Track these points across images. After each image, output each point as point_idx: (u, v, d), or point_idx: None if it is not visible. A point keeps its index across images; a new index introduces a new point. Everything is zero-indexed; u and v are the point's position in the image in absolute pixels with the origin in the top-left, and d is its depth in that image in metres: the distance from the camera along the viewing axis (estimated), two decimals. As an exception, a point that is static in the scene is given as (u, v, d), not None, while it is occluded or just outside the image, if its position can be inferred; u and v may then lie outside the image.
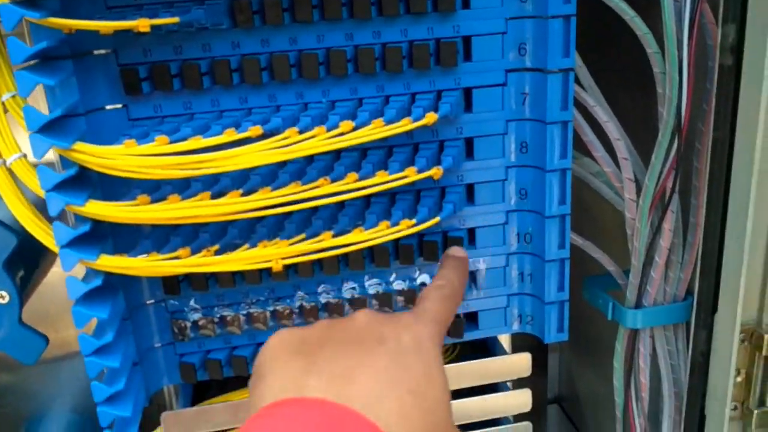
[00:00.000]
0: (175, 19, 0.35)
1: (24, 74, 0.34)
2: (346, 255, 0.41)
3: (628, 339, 0.49)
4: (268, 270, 0.39)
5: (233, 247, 0.39)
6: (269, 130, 0.37)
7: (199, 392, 0.51)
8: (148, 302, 0.44)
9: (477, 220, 0.45)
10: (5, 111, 0.40)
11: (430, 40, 0.40)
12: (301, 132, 0.36)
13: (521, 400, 0.50)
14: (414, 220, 0.40)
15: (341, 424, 0.30)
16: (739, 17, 0.40)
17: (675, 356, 0.49)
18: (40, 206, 0.40)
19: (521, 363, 0.50)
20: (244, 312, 0.44)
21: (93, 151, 0.35)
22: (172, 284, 0.43)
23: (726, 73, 0.41)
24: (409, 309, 0.44)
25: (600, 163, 0.46)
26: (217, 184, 0.39)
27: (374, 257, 0.43)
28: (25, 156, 0.40)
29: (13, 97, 0.40)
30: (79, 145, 0.35)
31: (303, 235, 0.39)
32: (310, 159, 0.41)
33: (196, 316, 0.44)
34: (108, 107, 0.39)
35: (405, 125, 0.37)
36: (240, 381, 0.47)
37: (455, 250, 0.44)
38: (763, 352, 0.44)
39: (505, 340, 0.58)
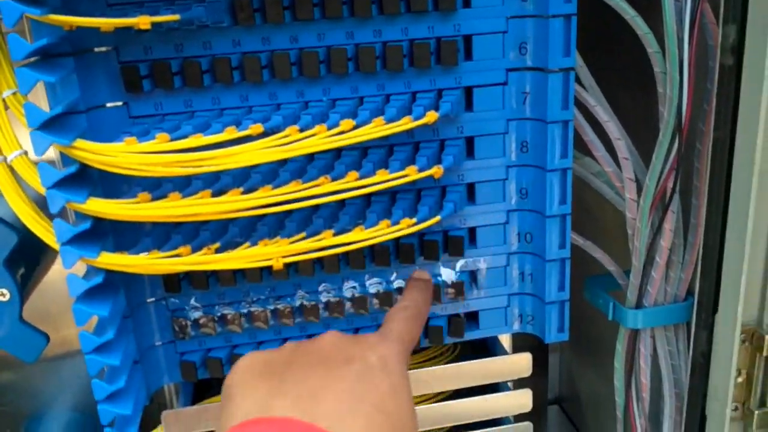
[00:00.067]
0: (176, 17, 0.35)
1: (25, 71, 0.34)
2: (346, 254, 0.41)
3: (629, 339, 0.49)
4: (269, 268, 0.39)
5: (234, 246, 0.39)
6: (270, 129, 0.37)
7: (200, 391, 0.51)
8: (148, 300, 0.44)
9: (477, 219, 0.45)
10: (6, 108, 0.40)
11: (431, 38, 0.40)
12: (301, 130, 0.36)
13: (522, 400, 0.50)
14: (414, 219, 0.40)
15: None
16: (740, 17, 0.40)
17: (676, 356, 0.49)
18: (40, 203, 0.40)
19: (522, 363, 0.50)
20: (245, 310, 0.44)
21: (94, 148, 0.35)
22: (172, 282, 0.43)
23: (727, 73, 0.41)
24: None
25: (601, 163, 0.46)
26: (217, 182, 0.39)
27: (375, 256, 0.43)
28: (26, 153, 0.40)
29: (14, 94, 0.40)
30: (80, 143, 0.35)
31: (303, 234, 0.39)
32: (310, 157, 0.41)
33: (197, 314, 0.44)
34: (109, 105, 0.39)
35: (406, 124, 0.38)
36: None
37: (419, 273, 0.45)
38: (764, 353, 0.44)
39: (505, 340, 0.58)
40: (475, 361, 0.49)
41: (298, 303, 0.45)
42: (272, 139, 0.36)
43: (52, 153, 0.36)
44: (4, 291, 0.45)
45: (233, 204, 0.37)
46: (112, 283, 0.40)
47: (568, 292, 0.45)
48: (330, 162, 0.41)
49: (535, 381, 0.51)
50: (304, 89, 0.41)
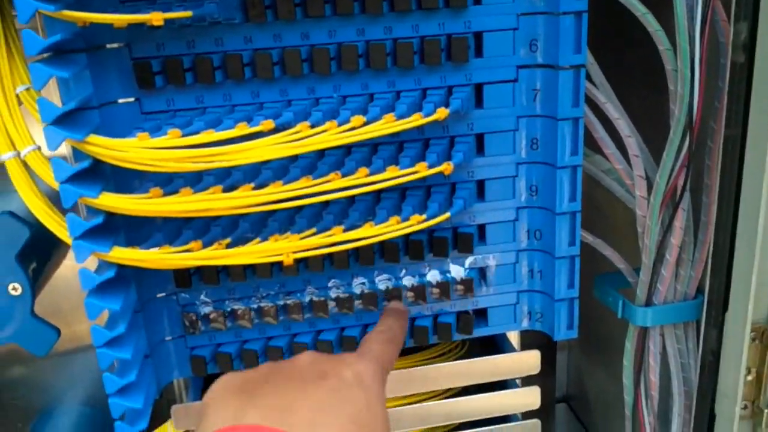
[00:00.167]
0: (188, 13, 0.35)
1: (39, 66, 0.34)
2: (356, 250, 0.42)
3: (638, 337, 0.49)
4: (279, 264, 0.39)
5: (244, 241, 0.39)
6: (281, 125, 0.37)
7: (209, 386, 0.51)
8: (159, 295, 0.44)
9: (487, 216, 0.45)
10: (19, 103, 0.40)
11: (442, 35, 0.40)
12: (312, 126, 0.37)
13: (530, 397, 0.50)
14: (424, 216, 0.40)
15: None
16: (752, 15, 0.39)
17: (685, 355, 0.49)
18: (53, 198, 0.40)
19: (531, 360, 0.50)
20: (255, 306, 0.45)
21: (107, 143, 0.36)
22: (183, 277, 0.43)
23: (738, 71, 0.41)
24: (419, 304, 0.45)
25: (611, 161, 0.45)
26: (229, 178, 0.39)
27: (384, 252, 0.43)
28: (39, 148, 0.41)
29: (27, 89, 0.40)
30: (93, 138, 0.36)
31: (314, 230, 0.39)
32: (321, 154, 0.41)
33: (207, 309, 0.44)
34: (121, 101, 0.40)
35: (416, 120, 0.38)
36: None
37: (396, 304, 0.45)
38: (774, 351, 0.44)
39: (513, 338, 0.57)
40: (483, 358, 0.49)
41: (307, 299, 0.45)
42: (283, 135, 0.36)
43: (64, 149, 0.37)
44: (17, 285, 0.46)
45: (244, 200, 0.37)
46: (124, 277, 0.41)
47: (577, 290, 0.45)
48: (340, 158, 0.41)
49: (543, 379, 0.51)
50: (314, 86, 0.41)
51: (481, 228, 0.45)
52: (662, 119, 0.45)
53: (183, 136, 0.36)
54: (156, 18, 0.34)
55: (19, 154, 0.40)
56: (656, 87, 0.45)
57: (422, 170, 0.38)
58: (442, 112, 0.38)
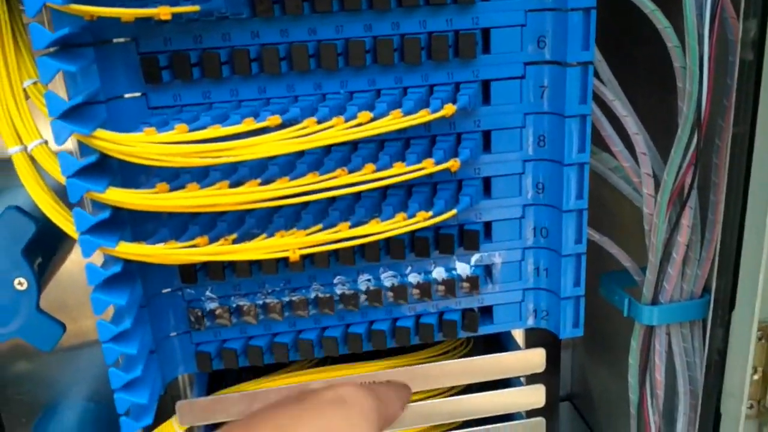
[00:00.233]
0: (196, 8, 0.35)
1: (46, 60, 0.34)
2: (362, 246, 0.41)
3: (644, 336, 0.49)
4: (285, 260, 0.39)
5: (251, 237, 0.39)
6: (288, 120, 0.37)
7: (214, 382, 0.51)
8: (164, 291, 0.44)
9: (493, 213, 0.45)
10: (26, 98, 0.40)
11: (449, 31, 0.40)
12: (319, 122, 0.36)
13: (535, 396, 0.50)
14: (430, 213, 0.40)
15: None
16: (761, 12, 0.39)
17: (691, 354, 0.49)
18: (59, 193, 0.40)
19: (536, 358, 0.49)
20: (260, 302, 0.45)
21: (113, 138, 0.36)
22: (189, 273, 0.43)
23: (747, 69, 0.40)
24: (425, 301, 0.45)
25: (618, 158, 0.45)
26: (235, 174, 0.39)
27: (390, 249, 0.43)
28: (46, 142, 0.41)
29: (34, 83, 0.40)
30: (100, 132, 0.36)
31: (320, 226, 0.39)
32: (327, 150, 0.41)
33: (213, 305, 0.44)
34: (128, 95, 0.39)
35: (423, 116, 0.37)
36: (255, 371, 0.47)
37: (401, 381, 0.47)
38: (781, 350, 0.44)
39: (518, 336, 0.57)
40: (488, 356, 0.49)
41: (313, 295, 0.45)
42: (290, 131, 0.36)
43: (70, 143, 0.37)
44: (22, 280, 0.46)
45: (250, 195, 0.37)
46: (130, 272, 0.41)
47: (583, 288, 0.45)
48: (347, 154, 0.41)
49: (547, 377, 0.51)
50: (322, 81, 0.41)
51: (488, 225, 0.45)
52: (670, 117, 0.45)
53: (190, 131, 0.36)
54: (163, 12, 0.34)
55: (26, 148, 0.40)
56: (664, 84, 0.45)
57: (429, 167, 0.38)
58: (449, 109, 0.38)
